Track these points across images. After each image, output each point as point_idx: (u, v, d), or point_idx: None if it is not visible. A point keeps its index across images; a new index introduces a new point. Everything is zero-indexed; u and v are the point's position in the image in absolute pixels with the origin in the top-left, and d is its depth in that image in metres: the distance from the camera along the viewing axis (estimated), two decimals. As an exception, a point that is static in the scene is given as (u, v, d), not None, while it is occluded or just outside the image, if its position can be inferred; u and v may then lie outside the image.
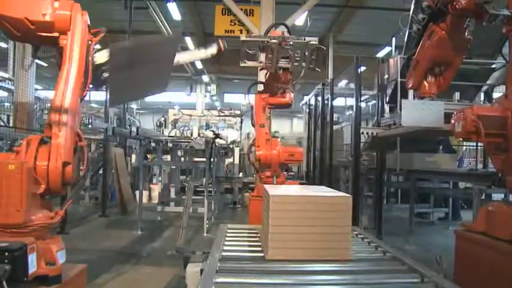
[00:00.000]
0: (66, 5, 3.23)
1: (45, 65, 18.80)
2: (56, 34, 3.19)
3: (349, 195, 3.24)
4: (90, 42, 3.39)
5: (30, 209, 2.91)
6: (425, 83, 4.53)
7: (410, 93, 5.27)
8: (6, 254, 2.57)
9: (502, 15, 3.86)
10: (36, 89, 13.06)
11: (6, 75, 13.43)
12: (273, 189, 3.46)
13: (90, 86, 3.46)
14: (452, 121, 4.04)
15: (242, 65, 5.34)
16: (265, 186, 3.89)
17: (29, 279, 2.71)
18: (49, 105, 15.06)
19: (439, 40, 4.22)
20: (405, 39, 9.44)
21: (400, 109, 5.35)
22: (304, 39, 4.82)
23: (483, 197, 6.67)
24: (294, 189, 4.14)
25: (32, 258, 2.74)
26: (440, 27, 4.21)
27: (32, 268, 2.74)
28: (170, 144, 10.87)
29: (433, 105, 4.30)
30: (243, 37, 5.13)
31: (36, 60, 12.19)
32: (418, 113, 4.24)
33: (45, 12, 3.12)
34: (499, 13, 3.82)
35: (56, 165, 3.06)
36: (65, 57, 3.20)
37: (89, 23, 3.41)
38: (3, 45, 11.74)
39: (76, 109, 3.27)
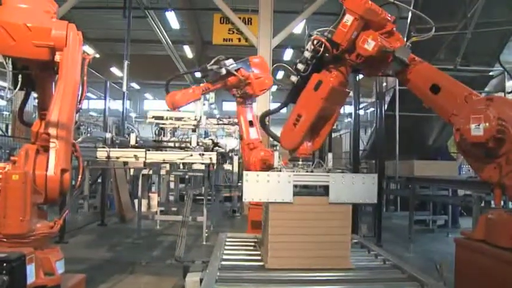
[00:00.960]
0: (62, 24, 3.36)
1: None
2: (51, 43, 3.24)
3: (348, 203, 3.24)
4: (84, 59, 3.51)
5: (32, 218, 2.92)
6: (308, 140, 3.93)
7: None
8: (5, 264, 2.56)
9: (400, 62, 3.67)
10: (34, 98, 13.07)
11: (4, 84, 13.45)
12: None
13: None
14: (466, 122, 3.56)
15: None
16: None
17: (27, 289, 2.71)
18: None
19: (330, 91, 3.72)
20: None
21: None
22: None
23: (482, 204, 6.67)
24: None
25: (30, 269, 2.73)
26: (330, 76, 3.77)
27: (31, 278, 2.74)
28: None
29: (280, 176, 3.37)
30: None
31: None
32: (262, 186, 3.29)
33: (43, 22, 3.25)
34: (404, 59, 3.59)
35: (55, 173, 3.10)
36: (61, 72, 3.30)
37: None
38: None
39: (72, 121, 3.33)
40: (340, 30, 3.53)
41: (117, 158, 6.61)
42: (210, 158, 6.96)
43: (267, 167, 5.71)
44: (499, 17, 8.36)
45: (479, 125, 3.49)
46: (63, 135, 3.22)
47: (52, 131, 3.18)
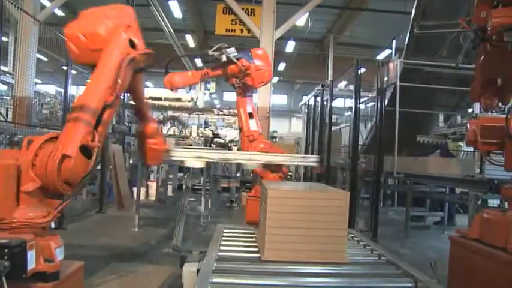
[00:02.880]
0: (111, 25, 3.44)
1: (45, 59, 18.83)
2: (102, 46, 3.35)
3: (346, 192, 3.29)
4: (132, 57, 3.47)
5: (18, 205, 2.93)
6: (485, 96, 4.73)
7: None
8: (6, 250, 2.60)
9: None
10: (35, 83, 13.06)
11: (6, 69, 13.45)
12: (272, 185, 3.50)
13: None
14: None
15: None
16: (264, 182, 3.93)
17: (27, 275, 2.74)
18: (48, 99, 15.03)
19: (486, 57, 4.39)
20: (406, 43, 9.50)
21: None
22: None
23: (479, 202, 6.71)
24: (292, 185, 4.20)
25: (31, 255, 2.76)
26: (485, 44, 4.31)
27: (31, 265, 2.77)
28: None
29: None
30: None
31: (37, 55, 12.24)
32: None
33: (96, 25, 3.40)
34: None
35: (54, 156, 2.99)
36: (99, 64, 3.35)
37: (135, 41, 3.59)
38: (4, 39, 11.76)
39: (94, 109, 3.17)
40: None
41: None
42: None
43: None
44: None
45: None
46: (79, 120, 3.11)
47: (69, 115, 3.16)
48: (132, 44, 3.53)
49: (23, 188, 2.99)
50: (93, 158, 3.16)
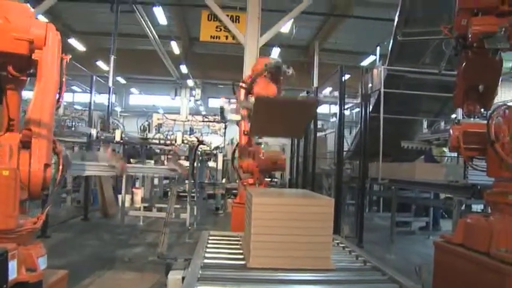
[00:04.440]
0: (42, 23, 3.36)
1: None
2: (31, 37, 3.22)
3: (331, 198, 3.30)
4: (62, 59, 3.52)
5: (18, 214, 2.94)
6: (467, 102, 4.90)
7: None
8: (-13, 260, 2.57)
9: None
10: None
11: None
12: (257, 192, 3.50)
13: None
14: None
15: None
16: (249, 189, 3.92)
17: (8, 286, 2.70)
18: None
19: (467, 64, 4.55)
20: (389, 49, 9.58)
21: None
22: None
23: (463, 208, 6.77)
24: (277, 192, 4.21)
25: (12, 265, 2.73)
26: (467, 51, 4.46)
27: (12, 275, 2.73)
28: (157, 150, 10.93)
29: None
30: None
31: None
32: None
33: (23, 19, 3.25)
34: (497, 47, 4.03)
35: (38, 168, 3.13)
36: (40, 71, 3.31)
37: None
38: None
39: (52, 119, 3.35)
40: None
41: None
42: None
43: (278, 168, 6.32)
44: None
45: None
46: (45, 132, 3.24)
47: (34, 127, 3.18)
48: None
49: (23, 196, 3.02)
50: (61, 161, 3.48)
